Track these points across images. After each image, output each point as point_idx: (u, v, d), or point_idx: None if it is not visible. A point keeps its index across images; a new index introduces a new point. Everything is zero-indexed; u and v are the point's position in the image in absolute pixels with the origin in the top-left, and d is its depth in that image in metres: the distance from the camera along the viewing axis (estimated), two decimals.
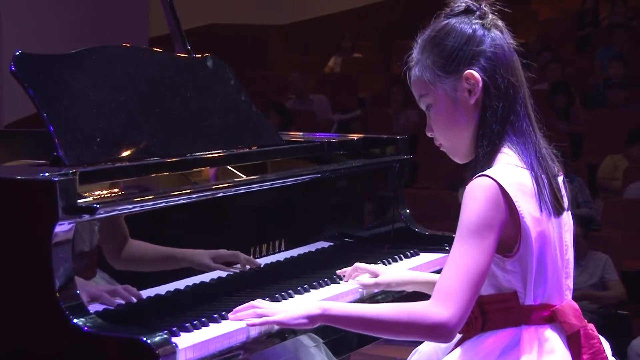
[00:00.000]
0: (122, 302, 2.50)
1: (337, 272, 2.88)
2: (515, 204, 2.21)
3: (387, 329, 2.26)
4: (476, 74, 2.30)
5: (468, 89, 2.31)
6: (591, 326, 2.34)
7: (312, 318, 2.32)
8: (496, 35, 2.33)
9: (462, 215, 2.23)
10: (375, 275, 2.76)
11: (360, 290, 2.86)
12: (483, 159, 2.28)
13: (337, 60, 12.97)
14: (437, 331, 2.18)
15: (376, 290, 2.86)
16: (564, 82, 9.72)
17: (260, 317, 2.39)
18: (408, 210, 3.59)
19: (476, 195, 2.22)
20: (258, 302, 2.45)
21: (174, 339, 2.29)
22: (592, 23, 12.80)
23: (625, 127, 8.47)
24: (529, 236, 2.23)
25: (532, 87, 2.39)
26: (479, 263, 2.19)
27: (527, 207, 2.23)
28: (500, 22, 2.36)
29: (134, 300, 2.53)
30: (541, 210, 2.24)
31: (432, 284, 2.38)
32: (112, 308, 2.47)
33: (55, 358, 2.32)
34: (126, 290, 2.51)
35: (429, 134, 2.40)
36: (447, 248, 3.30)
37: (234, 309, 2.48)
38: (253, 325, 2.42)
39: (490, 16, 2.34)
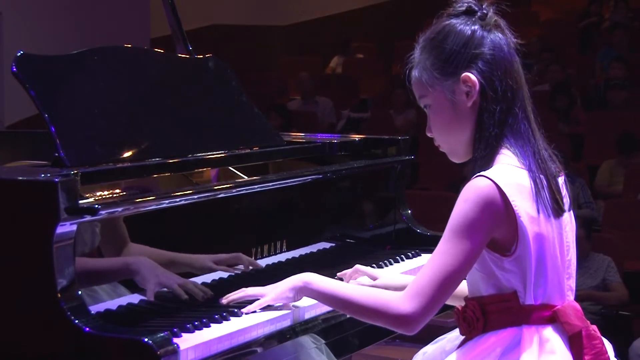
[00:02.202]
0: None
1: (338, 274, 2.88)
2: (512, 203, 2.21)
3: (356, 311, 2.37)
4: (473, 77, 2.29)
5: (465, 91, 2.30)
6: (594, 327, 2.33)
7: (297, 290, 2.52)
8: (496, 36, 2.32)
9: (451, 215, 2.25)
10: (374, 279, 2.76)
11: None
12: (481, 161, 2.28)
13: (338, 61, 12.97)
14: (398, 323, 2.27)
15: None
16: (565, 83, 9.71)
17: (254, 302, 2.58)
18: (410, 211, 3.58)
19: (468, 197, 2.22)
20: (248, 288, 2.61)
21: (175, 340, 2.29)
22: (595, 24, 12.78)
23: (625, 128, 8.45)
24: (526, 236, 2.22)
25: (532, 88, 2.38)
26: (455, 265, 2.22)
27: (525, 207, 2.22)
28: (502, 23, 2.34)
29: (203, 297, 2.66)
30: (539, 211, 2.24)
31: None
32: (113, 309, 2.47)
33: (56, 358, 2.31)
34: (197, 288, 2.66)
35: (428, 134, 2.41)
36: None
37: (226, 295, 2.61)
38: (249, 312, 2.56)
39: (492, 17, 2.33)
